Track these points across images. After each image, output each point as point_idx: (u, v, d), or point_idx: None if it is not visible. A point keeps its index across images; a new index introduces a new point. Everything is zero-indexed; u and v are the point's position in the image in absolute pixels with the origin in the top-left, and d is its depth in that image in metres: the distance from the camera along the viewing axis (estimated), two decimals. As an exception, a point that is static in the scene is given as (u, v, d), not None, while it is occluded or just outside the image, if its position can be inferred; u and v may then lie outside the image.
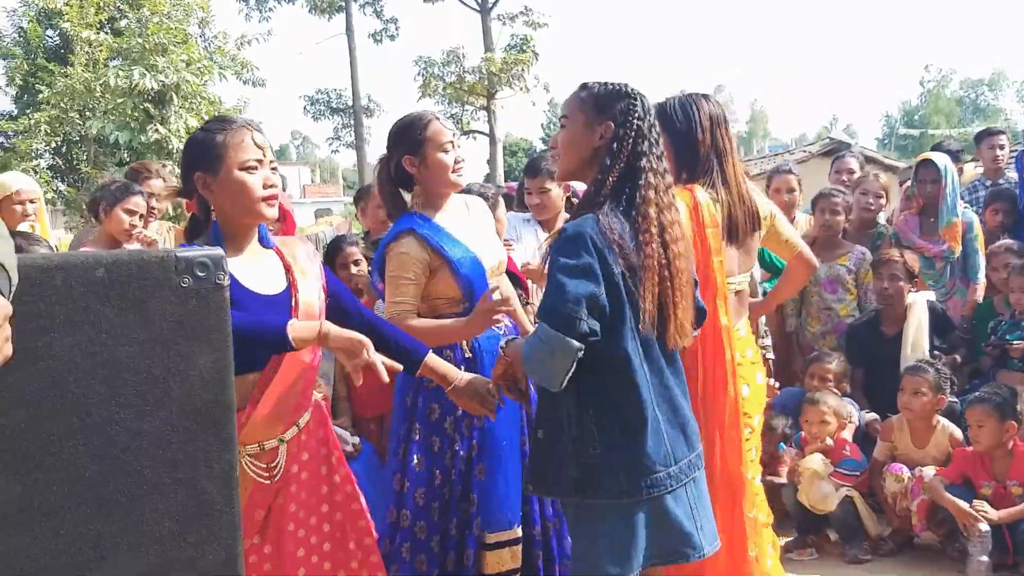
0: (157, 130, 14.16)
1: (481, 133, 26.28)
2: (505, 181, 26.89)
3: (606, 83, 2.63)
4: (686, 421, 2.65)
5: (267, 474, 2.56)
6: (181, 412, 1.55)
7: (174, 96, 14.48)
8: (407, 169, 3.28)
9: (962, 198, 6.35)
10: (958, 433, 4.70)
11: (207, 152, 2.47)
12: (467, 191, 3.90)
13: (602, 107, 2.58)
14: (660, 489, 2.51)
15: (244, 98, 28.57)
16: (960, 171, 7.16)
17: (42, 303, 1.45)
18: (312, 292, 2.62)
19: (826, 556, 4.70)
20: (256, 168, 2.48)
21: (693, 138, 3.27)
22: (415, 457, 3.27)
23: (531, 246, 4.60)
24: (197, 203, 2.57)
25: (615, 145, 2.53)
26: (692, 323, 2.67)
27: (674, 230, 2.58)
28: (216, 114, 15.26)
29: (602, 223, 2.44)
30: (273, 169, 2.59)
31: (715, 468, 3.17)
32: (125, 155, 15.06)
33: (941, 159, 5.77)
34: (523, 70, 23.60)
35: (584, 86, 2.66)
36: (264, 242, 2.66)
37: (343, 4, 28.15)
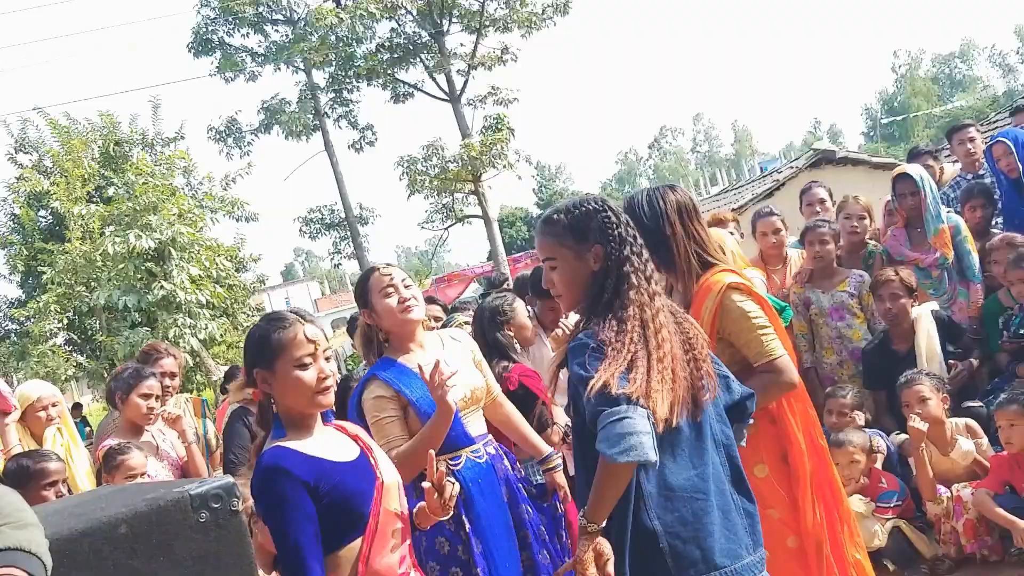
0: (162, 286, 14.43)
1: (475, 216, 26.55)
2: (507, 254, 27.13)
3: (571, 207, 2.66)
4: (741, 513, 2.59)
5: None
6: (222, 641, 1.63)
7: (171, 250, 14.77)
8: (368, 323, 3.46)
9: (946, 197, 6.45)
10: (973, 423, 4.78)
11: (263, 351, 2.62)
12: (490, 282, 4.00)
13: (582, 233, 2.61)
14: None
15: (240, 235, 29.22)
16: (941, 171, 7.26)
17: (75, 572, 1.54)
18: (382, 456, 2.77)
19: (888, 587, 4.70)
20: (310, 363, 2.61)
21: (661, 232, 3.25)
22: None
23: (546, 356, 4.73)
24: (261, 392, 2.69)
25: (609, 263, 2.58)
26: (700, 400, 2.57)
27: (658, 319, 2.55)
28: (217, 260, 15.61)
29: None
30: (327, 358, 2.69)
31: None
32: (136, 316, 15.31)
33: (915, 170, 5.85)
34: (503, 148, 23.87)
35: (550, 220, 2.68)
36: (326, 418, 2.80)
37: (317, 124, 28.69)
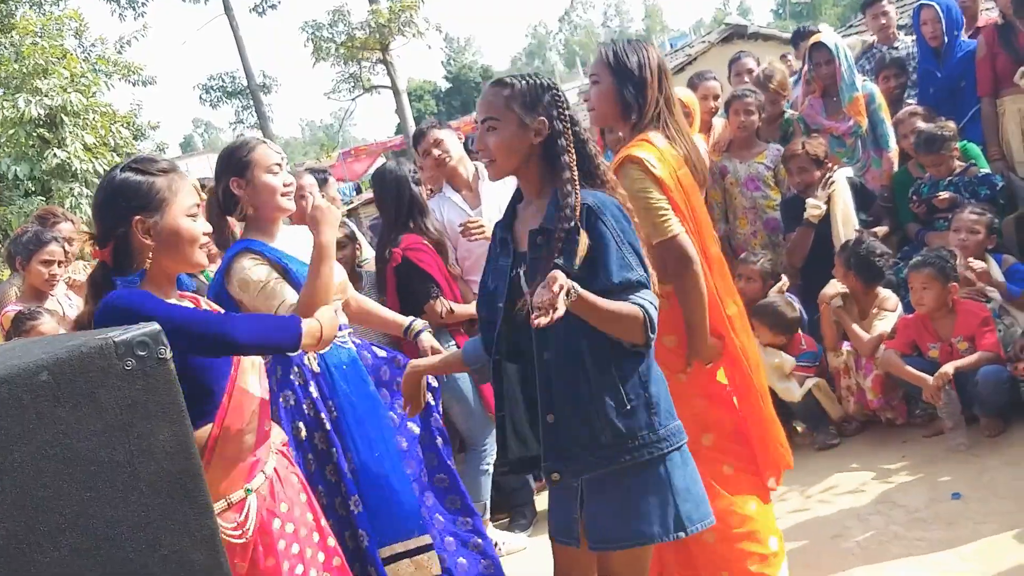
0: (55, 155, 13.79)
1: (383, 87, 25.96)
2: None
3: (525, 78, 2.62)
4: None
5: (239, 531, 2.40)
6: (152, 490, 1.57)
7: (64, 117, 14.09)
8: (234, 192, 3.16)
9: (861, 68, 6.47)
10: (893, 298, 4.90)
11: (150, 196, 2.35)
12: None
13: (532, 104, 2.57)
14: (680, 439, 2.57)
15: (136, 101, 28.07)
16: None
17: (-6, 421, 1.46)
18: None
19: (797, 448, 4.82)
20: (196, 214, 2.42)
21: (643, 82, 3.22)
22: None
23: (459, 216, 4.60)
24: (115, 249, 2.37)
25: (561, 140, 2.57)
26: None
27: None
28: (113, 127, 14.92)
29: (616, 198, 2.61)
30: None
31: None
32: (30, 185, 14.65)
33: (830, 38, 5.85)
34: (412, 16, 23.25)
35: (503, 83, 2.63)
36: (184, 287, 2.65)
37: (217, -16, 27.48)
